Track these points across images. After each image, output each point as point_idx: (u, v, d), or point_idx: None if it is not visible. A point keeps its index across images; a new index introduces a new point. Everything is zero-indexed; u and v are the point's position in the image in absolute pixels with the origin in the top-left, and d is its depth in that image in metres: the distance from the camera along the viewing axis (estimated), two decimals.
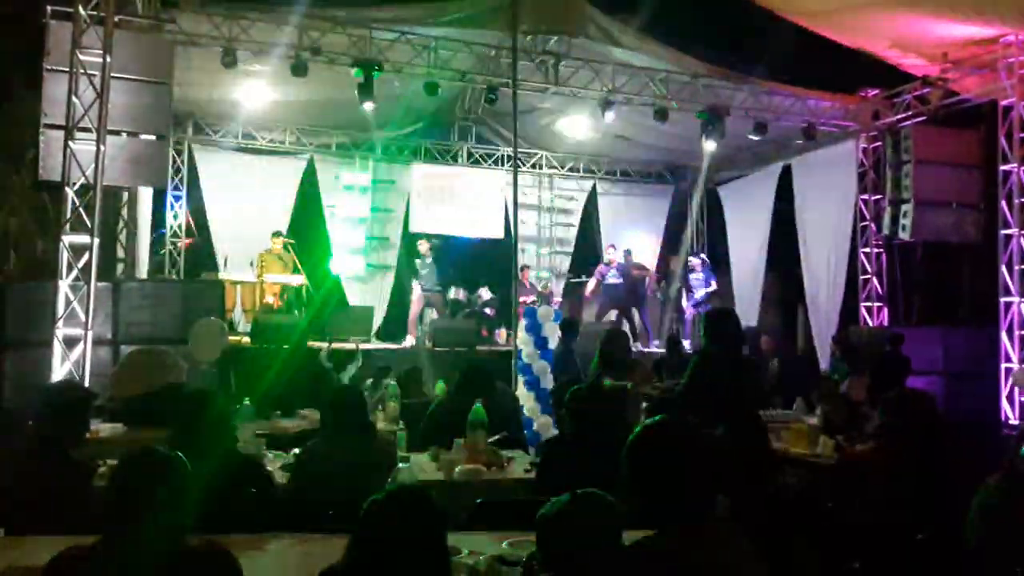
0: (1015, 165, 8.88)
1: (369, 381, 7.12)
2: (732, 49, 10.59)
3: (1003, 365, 8.88)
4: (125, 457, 2.16)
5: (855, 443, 4.99)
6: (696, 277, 12.14)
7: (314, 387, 6.46)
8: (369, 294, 12.42)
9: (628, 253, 12.83)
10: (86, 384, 6.31)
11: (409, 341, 10.84)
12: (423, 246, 11.35)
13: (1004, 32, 8.63)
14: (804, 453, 5.18)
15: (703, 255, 13.81)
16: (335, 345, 8.24)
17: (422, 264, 11.17)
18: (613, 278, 11.98)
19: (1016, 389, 8.75)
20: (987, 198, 9.77)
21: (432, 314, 11.34)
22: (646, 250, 13.90)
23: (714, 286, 12.15)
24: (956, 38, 8.78)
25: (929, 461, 3.38)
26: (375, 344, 10.45)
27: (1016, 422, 8.49)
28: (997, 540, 2.10)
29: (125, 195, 9.85)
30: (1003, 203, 8.99)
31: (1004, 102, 8.97)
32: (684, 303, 12.21)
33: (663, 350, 11.56)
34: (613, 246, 12.62)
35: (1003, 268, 8.94)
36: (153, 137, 7.45)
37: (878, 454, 3.60)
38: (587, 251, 13.87)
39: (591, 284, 12.23)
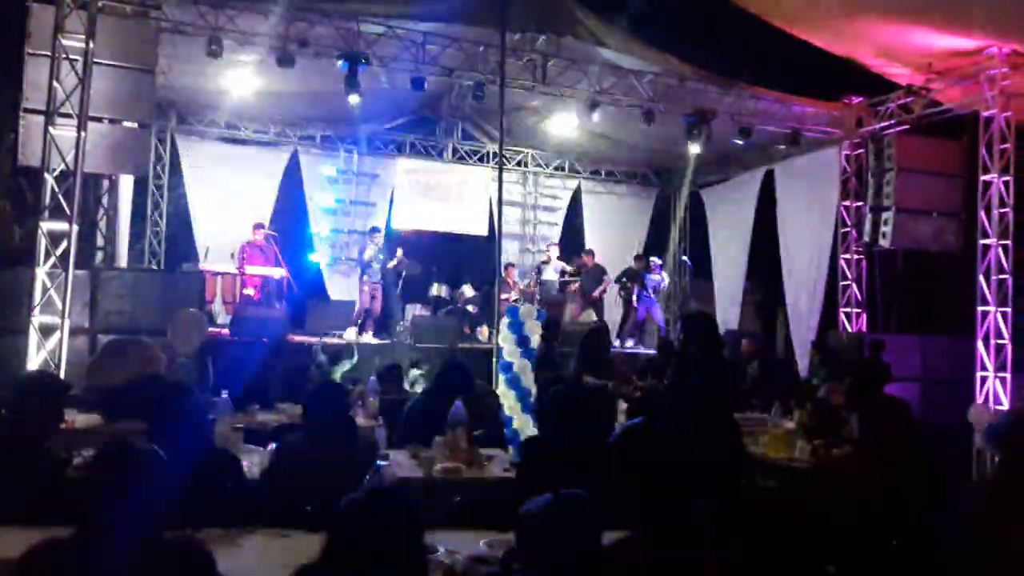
0: (995, 176, 8.98)
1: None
2: (719, 53, 10.62)
3: (979, 373, 8.98)
4: (101, 451, 2.13)
5: (832, 448, 5.02)
6: (654, 277, 12.24)
7: (296, 381, 6.41)
8: (351, 288, 12.37)
9: (591, 253, 12.83)
10: (62, 374, 6.24)
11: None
12: (378, 238, 11.47)
13: (988, 44, 8.71)
14: (782, 457, 5.21)
15: (685, 257, 13.90)
16: (328, 340, 8.20)
17: (373, 258, 11.25)
18: (548, 275, 12.19)
19: (990, 397, 8.85)
20: (967, 208, 9.86)
21: (415, 309, 11.35)
22: (628, 251, 13.92)
23: (665, 279, 12.44)
24: (941, 49, 8.85)
25: (906, 467, 3.40)
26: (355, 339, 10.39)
27: None
28: (974, 546, 2.12)
29: (106, 183, 9.75)
30: (982, 213, 9.08)
31: (986, 113, 9.06)
32: (634, 300, 12.31)
33: (628, 351, 11.65)
34: (556, 244, 12.90)
35: (980, 277, 9.02)
36: (135, 125, 7.38)
37: (855, 459, 3.62)
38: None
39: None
